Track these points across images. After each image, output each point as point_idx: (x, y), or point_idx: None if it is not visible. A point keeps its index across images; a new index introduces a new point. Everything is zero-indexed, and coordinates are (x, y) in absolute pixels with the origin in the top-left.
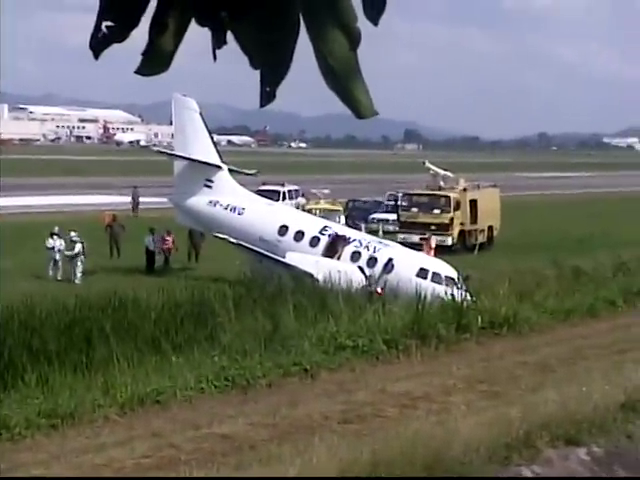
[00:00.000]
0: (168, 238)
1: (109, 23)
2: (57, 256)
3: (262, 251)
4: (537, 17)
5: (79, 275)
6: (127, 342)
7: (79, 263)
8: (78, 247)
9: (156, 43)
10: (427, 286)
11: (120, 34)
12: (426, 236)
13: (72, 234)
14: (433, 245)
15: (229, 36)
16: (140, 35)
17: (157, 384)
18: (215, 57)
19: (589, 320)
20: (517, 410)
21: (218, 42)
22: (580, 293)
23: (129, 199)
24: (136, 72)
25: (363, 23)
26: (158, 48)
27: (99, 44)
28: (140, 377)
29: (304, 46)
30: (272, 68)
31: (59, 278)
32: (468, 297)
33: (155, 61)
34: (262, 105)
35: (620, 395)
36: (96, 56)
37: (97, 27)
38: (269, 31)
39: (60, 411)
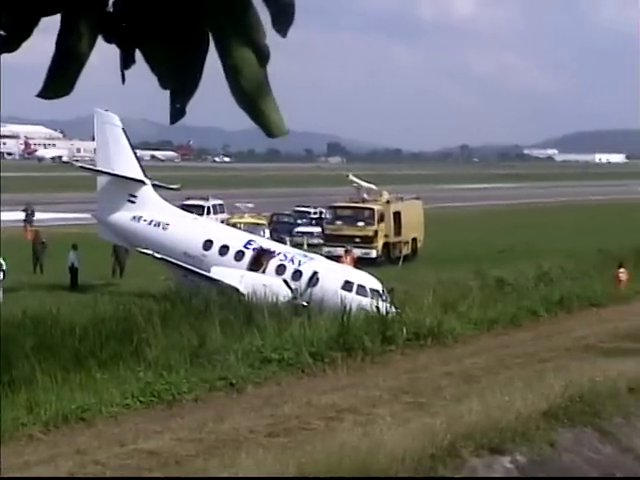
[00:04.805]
0: None
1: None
2: None
3: (187, 266)
4: (456, 30)
5: None
6: (51, 359)
7: None
8: None
9: (59, 61)
10: (352, 298)
11: (11, 44)
12: (348, 248)
13: None
14: (347, 260)
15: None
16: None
17: (82, 401)
18: (124, 78)
19: (512, 330)
20: (442, 420)
21: (126, 62)
22: (503, 303)
23: (52, 215)
24: (38, 95)
25: (287, 38)
26: (61, 67)
27: None
28: (64, 394)
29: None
30: (181, 85)
31: None
32: (393, 309)
33: (57, 83)
34: (172, 122)
35: (542, 403)
36: None
37: None
38: (177, 49)
39: None
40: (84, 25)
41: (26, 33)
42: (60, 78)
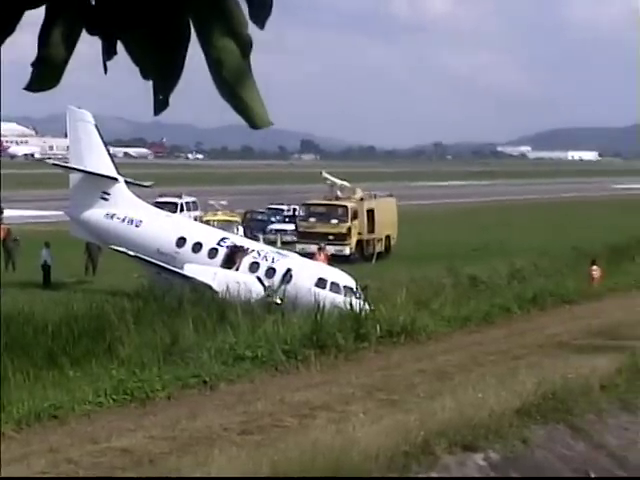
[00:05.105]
0: None
1: None
2: None
3: (160, 263)
4: (431, 28)
5: None
6: (23, 357)
7: None
8: None
9: (45, 54)
10: (326, 296)
11: None
12: (321, 246)
13: None
14: (321, 257)
15: (120, 47)
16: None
17: (54, 399)
18: (106, 69)
19: (485, 327)
20: (415, 418)
21: (108, 53)
22: (476, 300)
23: (24, 212)
24: (26, 88)
25: (261, 35)
26: (48, 60)
27: None
28: (37, 392)
29: (199, 57)
30: (164, 76)
31: None
32: (366, 306)
33: (45, 76)
34: (156, 113)
35: (515, 400)
36: None
37: None
38: (159, 40)
39: None
40: (68, 17)
41: (10, 28)
42: (47, 71)
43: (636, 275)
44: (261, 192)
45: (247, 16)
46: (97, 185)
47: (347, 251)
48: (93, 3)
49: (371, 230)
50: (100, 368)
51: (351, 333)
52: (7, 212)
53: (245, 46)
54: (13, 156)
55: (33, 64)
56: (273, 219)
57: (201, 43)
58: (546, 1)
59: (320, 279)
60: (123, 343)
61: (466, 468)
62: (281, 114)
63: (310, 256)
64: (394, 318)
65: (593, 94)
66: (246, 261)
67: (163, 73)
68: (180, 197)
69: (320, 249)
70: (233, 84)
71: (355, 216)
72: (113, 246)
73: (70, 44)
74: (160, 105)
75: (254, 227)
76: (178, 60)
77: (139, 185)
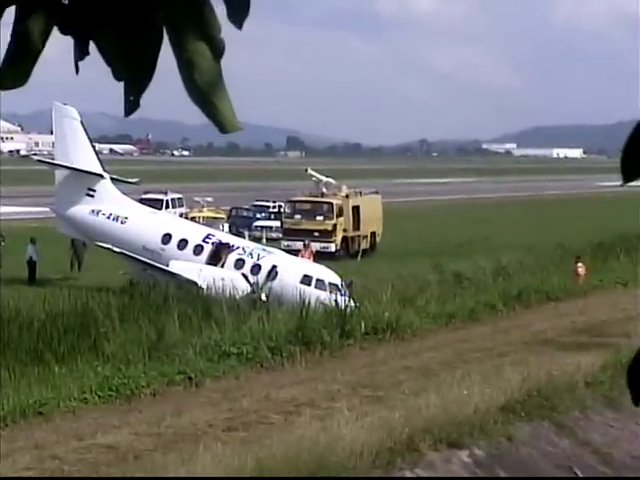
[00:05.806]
0: None
1: None
2: None
3: (146, 260)
4: (416, 25)
5: None
6: (8, 353)
7: None
8: None
9: (14, 53)
10: (311, 293)
11: None
12: (307, 242)
13: None
14: (306, 254)
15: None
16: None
17: (40, 395)
18: (77, 69)
19: (470, 324)
20: (400, 414)
21: (80, 53)
22: (461, 297)
23: (10, 209)
24: None
25: (247, 32)
26: (15, 58)
27: None
28: (22, 388)
29: None
30: (135, 77)
31: None
32: (351, 303)
33: (12, 74)
34: (127, 114)
35: (500, 397)
36: None
37: None
38: (131, 41)
39: None
40: (39, 15)
41: None
42: (15, 69)
43: (621, 272)
44: (247, 189)
45: (224, 16)
46: (83, 182)
47: (332, 248)
48: (66, 2)
49: (356, 227)
50: (85, 364)
51: (336, 330)
52: None
53: (218, 50)
54: None
55: (3, 62)
56: (259, 216)
57: (172, 45)
58: None
59: (305, 276)
60: (108, 339)
61: (451, 465)
62: (267, 111)
63: (295, 253)
64: (379, 315)
65: (578, 92)
66: (231, 258)
67: (135, 74)
68: (166, 194)
69: (305, 246)
70: (204, 87)
71: (340, 213)
72: (99, 243)
73: (40, 43)
74: (131, 106)
75: (239, 224)
76: (150, 61)
77: (125, 182)
